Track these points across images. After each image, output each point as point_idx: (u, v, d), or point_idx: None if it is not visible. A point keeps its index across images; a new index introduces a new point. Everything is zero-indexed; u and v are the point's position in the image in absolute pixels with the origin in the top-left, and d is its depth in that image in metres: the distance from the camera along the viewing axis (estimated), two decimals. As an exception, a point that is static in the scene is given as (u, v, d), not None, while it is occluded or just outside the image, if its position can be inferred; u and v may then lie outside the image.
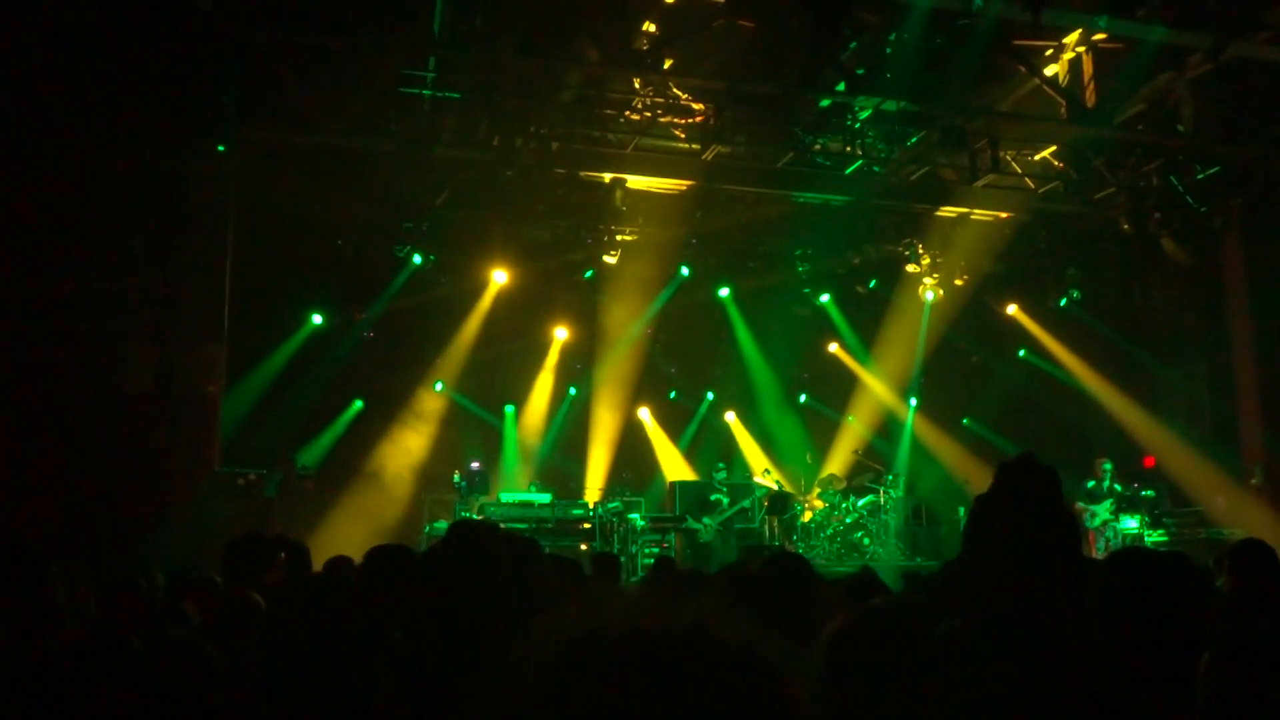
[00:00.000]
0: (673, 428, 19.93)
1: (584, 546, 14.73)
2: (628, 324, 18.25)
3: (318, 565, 6.46)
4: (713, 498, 16.23)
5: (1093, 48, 12.92)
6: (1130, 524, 14.29)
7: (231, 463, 13.08)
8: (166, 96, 11.44)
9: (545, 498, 15.27)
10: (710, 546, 15.68)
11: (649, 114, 13.71)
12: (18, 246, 11.21)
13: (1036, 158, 15.42)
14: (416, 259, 15.62)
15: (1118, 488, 14.71)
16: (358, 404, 17.34)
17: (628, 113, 13.82)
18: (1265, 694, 2.57)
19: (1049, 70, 13.26)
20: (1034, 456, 2.27)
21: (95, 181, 11.45)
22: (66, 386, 11.22)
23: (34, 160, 11.13)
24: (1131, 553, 2.98)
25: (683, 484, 17.58)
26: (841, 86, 12.94)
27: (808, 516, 16.99)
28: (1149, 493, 14.94)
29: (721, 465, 17.21)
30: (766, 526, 16.56)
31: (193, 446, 12.07)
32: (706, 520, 15.86)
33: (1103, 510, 14.38)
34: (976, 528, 2.21)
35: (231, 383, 14.13)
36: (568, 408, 18.98)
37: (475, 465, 17.00)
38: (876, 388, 19.58)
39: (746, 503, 16.36)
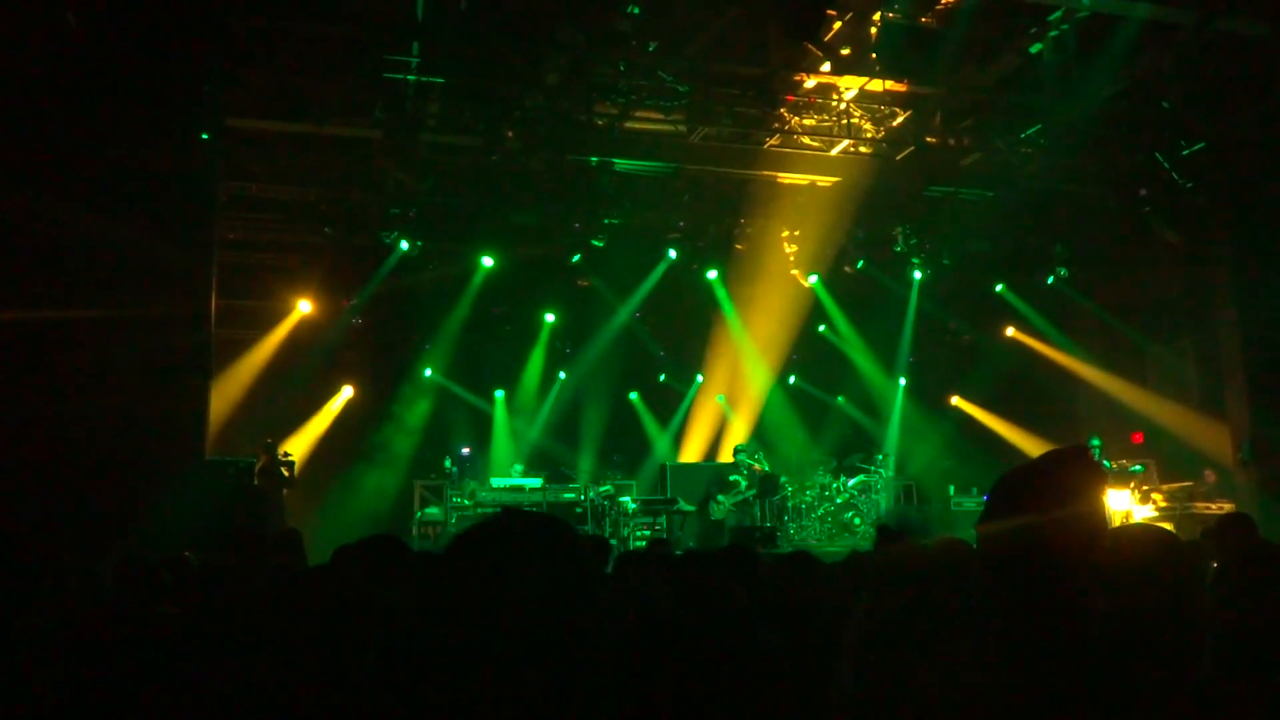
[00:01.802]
0: (663, 410, 19.95)
1: (576, 530, 14.74)
2: (616, 307, 18.25)
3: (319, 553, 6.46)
4: (731, 478, 16.31)
5: (1077, 24, 12.90)
6: (1119, 500, 14.36)
7: (222, 451, 13.07)
8: (149, 85, 11.37)
9: (536, 482, 15.30)
10: (724, 525, 15.79)
11: (635, 97, 13.67)
12: (2, 239, 11.14)
13: (1023, 136, 15.40)
14: (404, 245, 15.58)
15: (1106, 464, 14.77)
16: (347, 390, 17.32)
17: (613, 96, 13.77)
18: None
19: (1034, 48, 13.24)
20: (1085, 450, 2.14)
21: (79, 171, 11.37)
22: (54, 376, 11.17)
23: (18, 150, 11.05)
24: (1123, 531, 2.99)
25: (674, 466, 17.62)
26: (827, 67, 12.91)
27: (798, 497, 17.04)
28: (1138, 468, 15.02)
29: (743, 447, 17.26)
30: (757, 507, 16.61)
31: (182, 436, 12.01)
32: (721, 498, 15.95)
33: (1091, 487, 14.41)
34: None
35: (220, 371, 14.09)
36: (557, 392, 18.98)
37: (466, 451, 17.03)
38: (865, 368, 19.61)
39: (758, 490, 16.40)
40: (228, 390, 14.60)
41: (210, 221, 12.92)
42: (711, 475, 16.68)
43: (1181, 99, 13.49)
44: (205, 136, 12.28)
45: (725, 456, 18.30)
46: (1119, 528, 3.03)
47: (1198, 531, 8.77)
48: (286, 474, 13.53)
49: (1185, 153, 14.60)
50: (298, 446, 15.50)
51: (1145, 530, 3.01)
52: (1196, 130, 14.24)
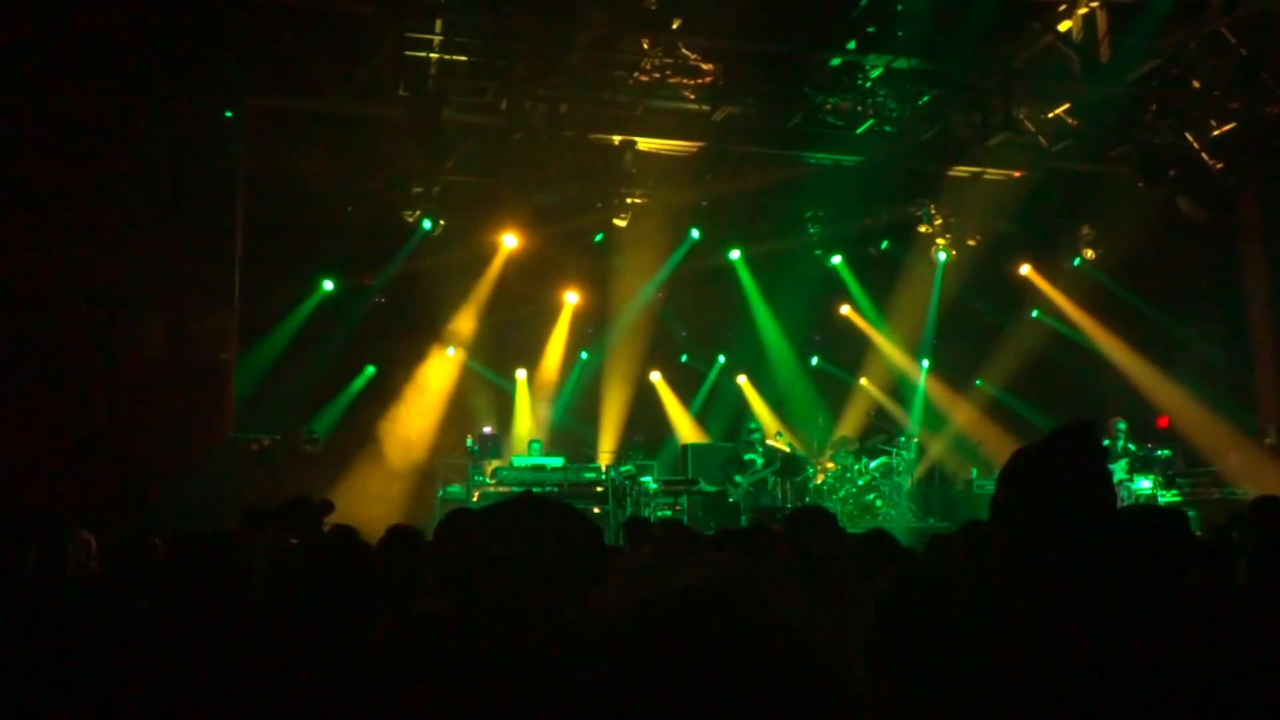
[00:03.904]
0: (684, 391, 19.92)
1: (596, 509, 14.78)
2: (639, 287, 18.20)
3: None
4: (747, 457, 16.24)
5: (1107, 2, 12.74)
6: (1144, 484, 14.26)
7: (245, 429, 13.15)
8: (174, 63, 11.40)
9: (558, 461, 15.30)
10: (740, 506, 15.73)
11: (658, 75, 13.60)
12: (30, 215, 11.22)
13: (1050, 115, 15.24)
14: (426, 224, 15.57)
15: (1131, 447, 14.65)
16: (370, 369, 17.37)
17: (637, 74, 13.71)
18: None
19: (1062, 26, 13.09)
20: (1091, 426, 2.21)
21: (105, 149, 11.44)
22: (80, 354, 11.27)
23: (43, 129, 11.12)
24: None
25: (695, 446, 17.60)
26: (852, 45, 12.82)
27: (820, 479, 16.98)
28: (1163, 452, 14.89)
29: (755, 425, 17.18)
30: (779, 489, 16.56)
31: (206, 413, 12.11)
32: (739, 479, 15.90)
33: (1118, 470, 14.32)
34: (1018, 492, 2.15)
35: (244, 349, 14.16)
36: (579, 372, 18.97)
37: (488, 430, 17.05)
38: (889, 349, 19.52)
39: (778, 465, 16.37)
40: (251, 368, 14.66)
41: (234, 199, 12.98)
42: (727, 456, 16.64)
43: (1211, 78, 13.31)
44: (229, 115, 12.33)
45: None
46: (1126, 508, 3.01)
47: (1223, 516, 8.71)
48: (311, 450, 13.60)
49: (1215, 133, 14.42)
50: (321, 425, 15.56)
51: (1147, 511, 3.00)
52: (1227, 110, 14.07)
